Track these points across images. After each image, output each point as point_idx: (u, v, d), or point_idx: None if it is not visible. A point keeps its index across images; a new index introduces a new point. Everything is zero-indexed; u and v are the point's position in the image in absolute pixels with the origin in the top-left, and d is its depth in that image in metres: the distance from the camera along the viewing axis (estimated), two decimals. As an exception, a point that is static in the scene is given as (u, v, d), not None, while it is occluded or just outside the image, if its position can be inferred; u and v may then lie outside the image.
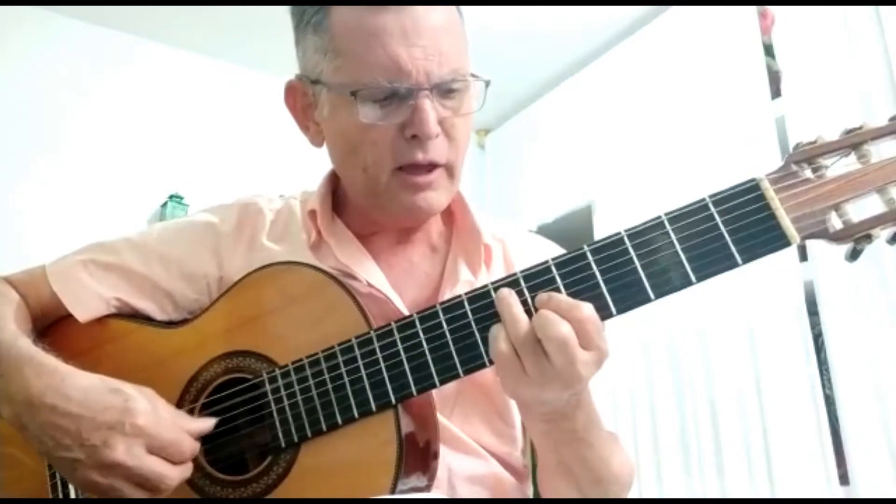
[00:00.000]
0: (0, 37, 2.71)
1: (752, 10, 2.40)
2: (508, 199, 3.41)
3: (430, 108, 0.84)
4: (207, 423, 0.82)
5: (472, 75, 0.90)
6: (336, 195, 1.00)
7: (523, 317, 0.70)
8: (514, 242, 1.01)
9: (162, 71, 3.01)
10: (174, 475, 0.76)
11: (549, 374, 0.69)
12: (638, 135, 2.72)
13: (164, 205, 2.83)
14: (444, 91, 0.87)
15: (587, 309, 0.69)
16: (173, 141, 2.95)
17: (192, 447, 0.79)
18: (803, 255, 2.17)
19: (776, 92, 2.30)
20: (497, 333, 0.71)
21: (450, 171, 0.91)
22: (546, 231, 3.09)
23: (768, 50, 2.35)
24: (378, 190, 0.90)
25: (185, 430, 0.79)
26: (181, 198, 2.83)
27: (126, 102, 2.90)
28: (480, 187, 3.55)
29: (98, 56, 2.89)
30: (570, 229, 3.00)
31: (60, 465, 0.78)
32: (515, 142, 3.44)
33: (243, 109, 3.07)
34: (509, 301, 0.71)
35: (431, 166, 0.88)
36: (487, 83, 0.93)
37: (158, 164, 2.90)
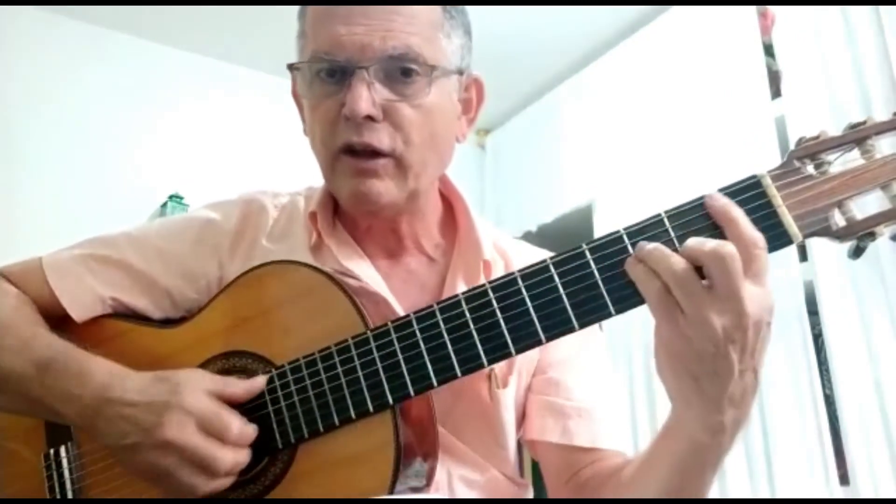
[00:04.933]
0: (1, 37, 2.71)
1: (752, 10, 2.40)
2: (508, 199, 3.41)
3: (363, 87, 0.82)
4: (254, 384, 0.80)
5: (440, 67, 0.86)
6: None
7: (672, 252, 0.64)
8: (517, 257, 0.99)
9: (162, 71, 3.00)
10: (225, 456, 0.75)
11: (711, 304, 0.62)
12: (638, 135, 2.72)
13: (164, 205, 2.82)
14: (393, 74, 0.84)
15: (758, 234, 0.64)
16: (173, 141, 2.95)
17: (239, 425, 0.77)
18: (803, 256, 2.17)
19: (776, 92, 2.30)
20: (641, 271, 0.66)
21: (399, 163, 0.86)
22: (546, 231, 3.09)
23: (768, 50, 2.34)
24: (329, 174, 0.89)
25: (226, 395, 0.78)
26: (181, 198, 2.83)
27: (126, 102, 2.89)
28: (480, 187, 3.55)
29: (98, 56, 2.89)
30: (570, 229, 3.00)
31: (123, 455, 0.79)
32: (515, 142, 3.43)
33: (243, 109, 3.07)
34: (656, 246, 0.66)
35: (373, 153, 0.85)
36: (461, 72, 0.91)
37: (158, 164, 2.89)
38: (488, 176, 3.56)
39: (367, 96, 0.82)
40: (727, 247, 0.62)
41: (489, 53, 2.69)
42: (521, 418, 0.95)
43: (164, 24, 2.90)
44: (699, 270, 0.64)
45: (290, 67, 0.90)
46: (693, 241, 0.64)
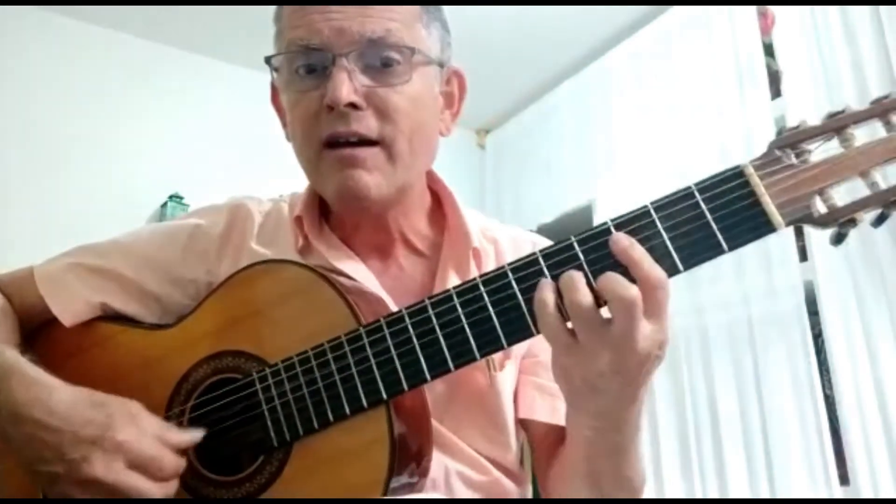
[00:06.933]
0: (0, 37, 2.72)
1: (752, 10, 2.40)
2: (508, 198, 3.41)
3: (343, 74, 0.80)
4: (194, 436, 0.80)
5: (421, 52, 0.85)
6: (322, 199, 0.96)
7: (582, 286, 0.66)
8: (506, 242, 0.98)
9: (162, 71, 3.01)
10: (155, 491, 0.74)
11: (605, 339, 0.65)
12: (638, 134, 2.72)
13: (164, 205, 2.83)
14: (373, 63, 0.83)
15: (661, 273, 0.66)
16: (173, 141, 2.95)
17: (175, 464, 0.77)
18: (803, 256, 2.17)
19: (776, 92, 2.30)
20: (545, 298, 0.67)
21: (388, 150, 0.84)
22: (546, 231, 3.09)
23: (768, 50, 2.35)
24: (313, 172, 0.88)
25: (171, 443, 0.77)
26: (181, 198, 2.84)
27: (126, 102, 2.90)
28: (480, 187, 3.55)
29: (98, 56, 2.90)
30: (570, 229, 2.98)
31: (40, 478, 0.77)
32: (515, 142, 3.43)
33: (243, 109, 3.07)
34: (572, 274, 0.67)
35: (359, 141, 0.83)
36: (442, 65, 0.90)
37: (158, 164, 2.90)
38: (488, 176, 3.56)
39: (348, 83, 0.80)
40: (631, 290, 0.64)
41: (489, 53, 2.69)
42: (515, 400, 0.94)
43: (164, 23, 2.91)
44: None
45: (267, 61, 0.88)
46: (607, 281, 0.66)
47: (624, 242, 0.67)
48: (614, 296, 0.64)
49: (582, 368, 0.67)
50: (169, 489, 0.76)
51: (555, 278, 0.70)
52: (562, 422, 0.89)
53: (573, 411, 0.75)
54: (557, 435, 0.91)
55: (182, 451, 0.78)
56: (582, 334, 0.66)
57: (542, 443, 0.93)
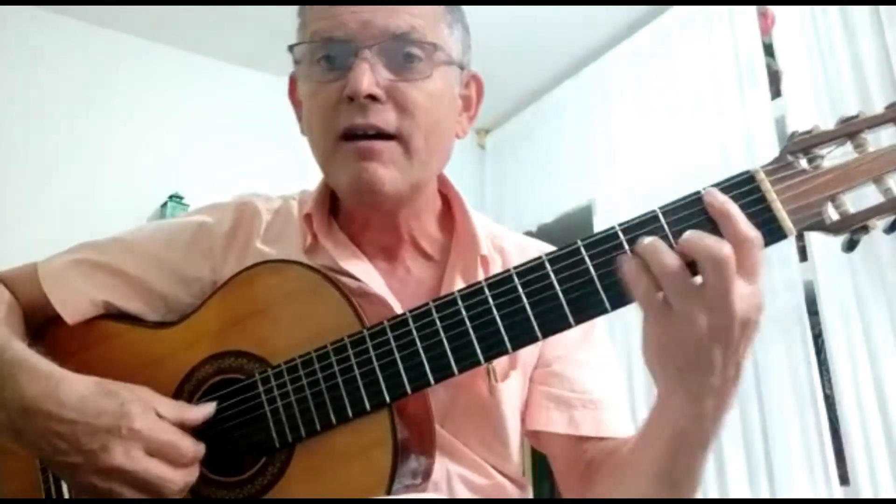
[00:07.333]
0: (0, 37, 2.72)
1: (752, 10, 2.40)
2: (508, 198, 3.41)
3: (365, 66, 0.81)
4: (208, 410, 0.81)
5: (443, 50, 0.85)
6: (333, 197, 0.97)
7: (667, 248, 0.64)
8: (514, 250, 0.98)
9: (162, 71, 3.01)
10: (176, 478, 0.75)
11: (699, 301, 0.63)
12: (638, 134, 2.72)
13: (164, 205, 2.83)
14: (395, 57, 0.83)
15: (754, 232, 0.64)
16: (173, 141, 2.95)
17: (194, 448, 0.77)
18: (803, 256, 2.17)
19: (776, 92, 2.30)
20: (633, 269, 0.65)
21: (405, 145, 0.84)
22: (546, 231, 3.09)
23: (768, 50, 2.35)
24: (328, 164, 0.87)
25: (187, 419, 0.78)
26: (181, 198, 2.83)
27: (126, 102, 2.90)
28: (480, 187, 3.55)
29: (98, 56, 2.89)
30: (570, 229, 3.00)
31: (59, 470, 0.78)
32: (515, 142, 3.43)
33: (243, 109, 3.07)
34: (652, 240, 0.66)
35: (377, 134, 0.83)
36: (462, 67, 0.91)
37: (158, 164, 2.90)
38: (488, 176, 3.56)
39: (370, 75, 0.81)
40: (724, 249, 0.62)
41: (490, 53, 2.68)
42: (524, 411, 0.93)
43: (164, 23, 2.91)
44: (692, 265, 0.64)
45: (290, 49, 0.89)
46: (691, 236, 0.64)
47: (721, 197, 0.66)
48: (704, 253, 0.63)
49: (680, 339, 0.65)
50: (189, 475, 0.77)
51: (560, 282, 0.70)
52: (582, 431, 0.88)
53: (667, 398, 0.71)
54: (583, 446, 0.89)
55: (199, 438, 0.79)
56: (674, 297, 0.64)
57: (568, 455, 0.91)
